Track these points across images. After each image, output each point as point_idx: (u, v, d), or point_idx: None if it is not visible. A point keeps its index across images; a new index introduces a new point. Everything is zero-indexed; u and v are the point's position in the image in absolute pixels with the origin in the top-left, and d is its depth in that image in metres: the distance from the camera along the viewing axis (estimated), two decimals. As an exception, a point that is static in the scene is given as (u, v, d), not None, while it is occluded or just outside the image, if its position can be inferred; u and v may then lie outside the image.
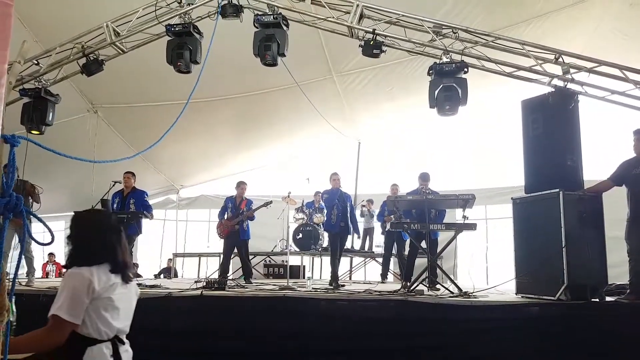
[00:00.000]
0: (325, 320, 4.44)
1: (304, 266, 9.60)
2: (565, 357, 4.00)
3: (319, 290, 5.46)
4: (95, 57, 6.11)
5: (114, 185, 6.67)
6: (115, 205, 6.67)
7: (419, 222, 5.70)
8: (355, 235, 8.35)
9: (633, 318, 4.11)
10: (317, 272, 9.79)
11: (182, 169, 11.36)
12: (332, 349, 4.27)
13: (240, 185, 7.39)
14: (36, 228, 3.05)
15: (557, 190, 4.51)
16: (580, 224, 4.46)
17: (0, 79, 1.44)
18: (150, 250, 11.67)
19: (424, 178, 6.38)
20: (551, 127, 4.86)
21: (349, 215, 6.62)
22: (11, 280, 1.60)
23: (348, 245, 9.43)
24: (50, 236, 1.65)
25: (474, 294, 4.84)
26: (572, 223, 4.42)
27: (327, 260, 9.72)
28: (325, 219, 9.23)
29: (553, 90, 4.96)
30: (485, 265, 9.68)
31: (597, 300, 4.40)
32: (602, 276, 4.52)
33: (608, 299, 4.57)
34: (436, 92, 5.00)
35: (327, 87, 8.38)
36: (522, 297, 4.74)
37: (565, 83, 4.96)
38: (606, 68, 4.90)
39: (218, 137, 9.99)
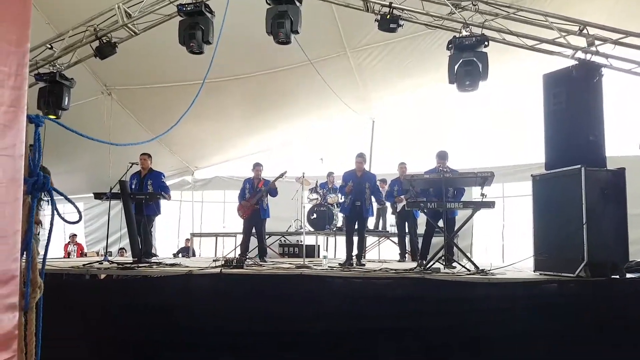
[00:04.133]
0: (342, 298, 4.48)
1: (319, 245, 9.68)
2: (585, 334, 3.99)
3: (335, 268, 5.50)
4: (108, 39, 6.10)
5: (131, 167, 6.72)
6: (133, 187, 6.74)
7: (437, 201, 5.65)
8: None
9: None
10: (331, 251, 9.87)
11: (196, 150, 11.42)
12: (349, 326, 4.31)
13: (257, 167, 7.43)
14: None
15: (579, 166, 4.42)
16: (602, 201, 4.38)
17: (24, 58, 1.44)
18: (167, 230, 11.87)
19: (442, 156, 6.22)
20: (574, 101, 4.73)
21: (367, 194, 6.54)
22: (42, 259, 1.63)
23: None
24: (78, 215, 1.66)
25: (491, 271, 4.82)
26: (593, 200, 4.34)
27: (341, 240, 9.82)
28: (339, 199, 9.30)
29: (576, 63, 4.82)
30: (501, 243, 9.63)
31: (618, 277, 4.35)
32: (622, 253, 4.45)
33: (629, 275, 4.51)
34: (456, 67, 4.88)
35: (341, 64, 8.27)
36: (540, 274, 4.71)
37: (590, 56, 4.81)
38: (633, 39, 4.73)
39: (231, 118, 9.99)
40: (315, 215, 9.49)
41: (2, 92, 1.36)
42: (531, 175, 5.09)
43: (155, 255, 6.99)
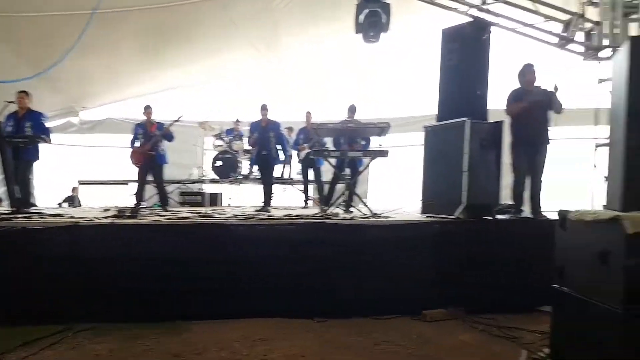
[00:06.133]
0: (246, 245, 4.51)
1: (221, 193, 9.52)
2: (459, 267, 4.54)
3: (239, 216, 5.49)
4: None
5: (7, 106, 5.86)
6: (9, 128, 5.96)
7: (340, 150, 5.91)
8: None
9: (517, 231, 4.74)
10: (237, 200, 9.79)
11: (84, 88, 10.25)
12: (254, 273, 4.39)
13: (147, 110, 6.99)
14: None
15: (464, 119, 4.82)
16: (481, 150, 4.86)
17: None
18: (49, 178, 10.72)
19: (352, 110, 6.70)
20: (465, 57, 5.06)
21: (272, 143, 6.67)
22: None
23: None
24: None
25: (383, 214, 5.21)
26: (474, 149, 4.81)
27: (247, 187, 9.83)
28: (244, 146, 9.18)
29: (471, 20, 5.10)
30: (395, 190, 10.34)
31: (490, 218, 4.97)
32: (495, 197, 5.05)
33: (498, 217, 5.16)
34: (361, 17, 4.90)
35: (252, 2, 7.82)
36: (426, 216, 5.20)
37: (482, 13, 5.11)
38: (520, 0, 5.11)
39: (125, 53, 9.06)
40: (220, 163, 9.26)
41: None
42: (423, 126, 5.46)
43: (34, 205, 6.35)
